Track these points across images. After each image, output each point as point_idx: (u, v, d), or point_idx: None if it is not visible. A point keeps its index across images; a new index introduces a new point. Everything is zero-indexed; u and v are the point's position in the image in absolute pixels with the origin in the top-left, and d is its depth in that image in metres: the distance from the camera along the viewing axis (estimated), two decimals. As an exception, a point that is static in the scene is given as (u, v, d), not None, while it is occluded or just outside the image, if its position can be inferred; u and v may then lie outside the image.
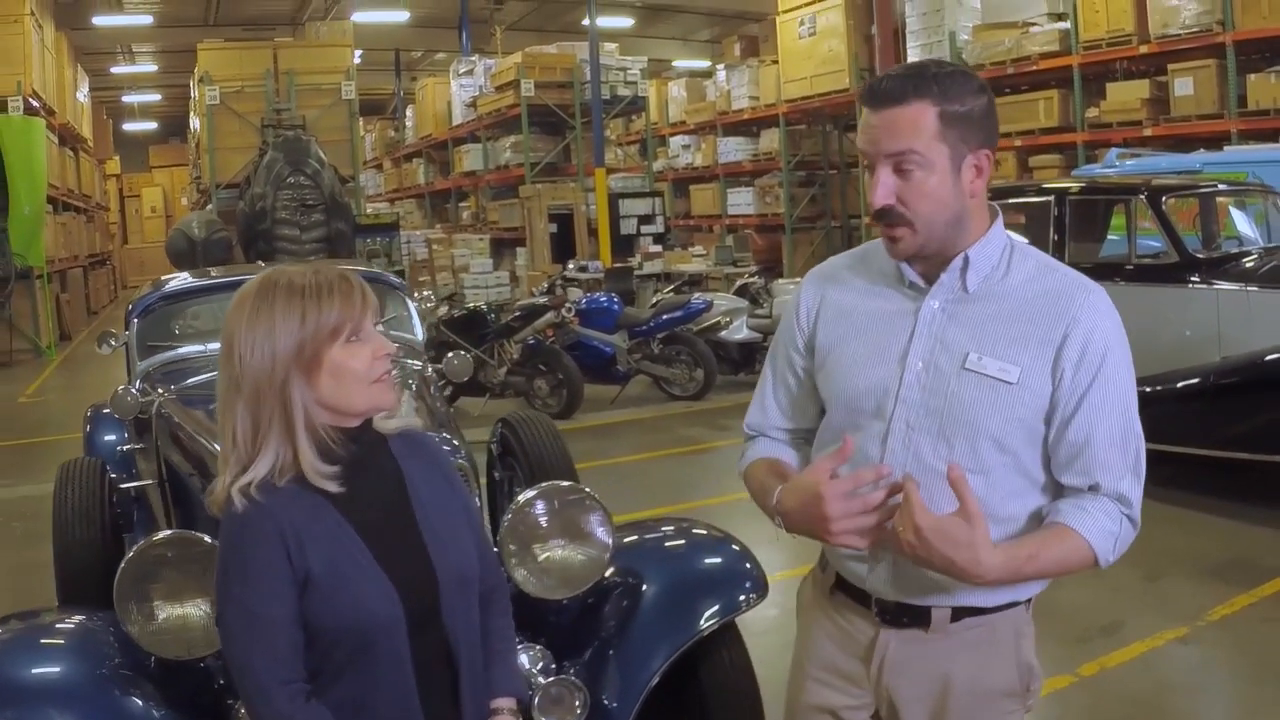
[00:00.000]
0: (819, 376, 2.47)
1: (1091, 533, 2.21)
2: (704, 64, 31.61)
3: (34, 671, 3.19)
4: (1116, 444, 2.24)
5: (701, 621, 3.51)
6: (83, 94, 29.40)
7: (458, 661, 2.31)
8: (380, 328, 5.86)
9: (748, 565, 3.68)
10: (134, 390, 5.19)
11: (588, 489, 3.75)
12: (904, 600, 2.35)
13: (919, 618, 2.34)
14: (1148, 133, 14.88)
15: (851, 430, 2.36)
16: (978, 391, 2.25)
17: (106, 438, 6.42)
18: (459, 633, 2.31)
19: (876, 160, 2.26)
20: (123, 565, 3.27)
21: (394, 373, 2.28)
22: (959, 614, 2.33)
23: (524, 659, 3.53)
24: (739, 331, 12.88)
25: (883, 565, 2.35)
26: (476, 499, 3.61)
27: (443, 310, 12.08)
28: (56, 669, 3.21)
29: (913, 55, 18.27)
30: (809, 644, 2.57)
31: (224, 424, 2.19)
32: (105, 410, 6.49)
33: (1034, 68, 16.51)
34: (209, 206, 21.81)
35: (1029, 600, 2.39)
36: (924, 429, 2.29)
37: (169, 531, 3.42)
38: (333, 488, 2.16)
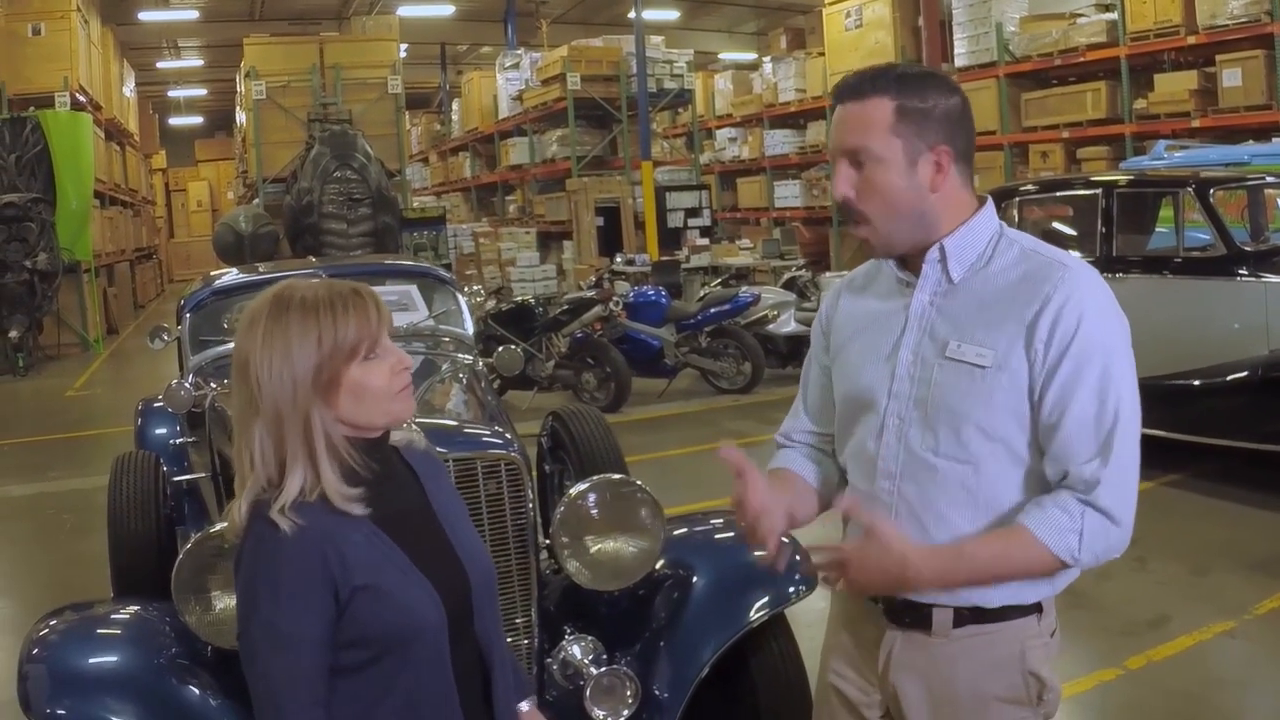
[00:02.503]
0: (834, 379, 2.52)
1: (1042, 529, 2.17)
2: (750, 56, 31.47)
3: (91, 661, 3.24)
4: (1089, 426, 2.18)
5: (751, 613, 3.55)
6: (129, 89, 29.57)
7: (489, 662, 2.32)
8: (430, 322, 5.93)
9: (797, 558, 3.70)
10: (187, 384, 5.25)
11: (639, 481, 3.79)
12: (905, 598, 2.34)
13: (921, 619, 2.33)
14: (1196, 124, 14.72)
15: (852, 426, 2.43)
16: (957, 378, 2.25)
17: (157, 431, 6.47)
18: (490, 633, 2.33)
19: (837, 155, 2.32)
20: (181, 556, 3.31)
21: (415, 384, 2.26)
22: (961, 618, 2.31)
23: (575, 650, 3.59)
24: (787, 325, 12.84)
25: None
26: (530, 492, 3.64)
27: (490, 304, 12.12)
28: (114, 658, 3.26)
29: (960, 47, 18.18)
30: (832, 635, 2.60)
31: (240, 446, 2.15)
32: (156, 404, 6.55)
33: (1081, 59, 16.38)
34: (256, 201, 21.85)
35: (1039, 608, 2.33)
36: (913, 421, 2.30)
37: (224, 524, 3.47)
38: (358, 510, 2.14)
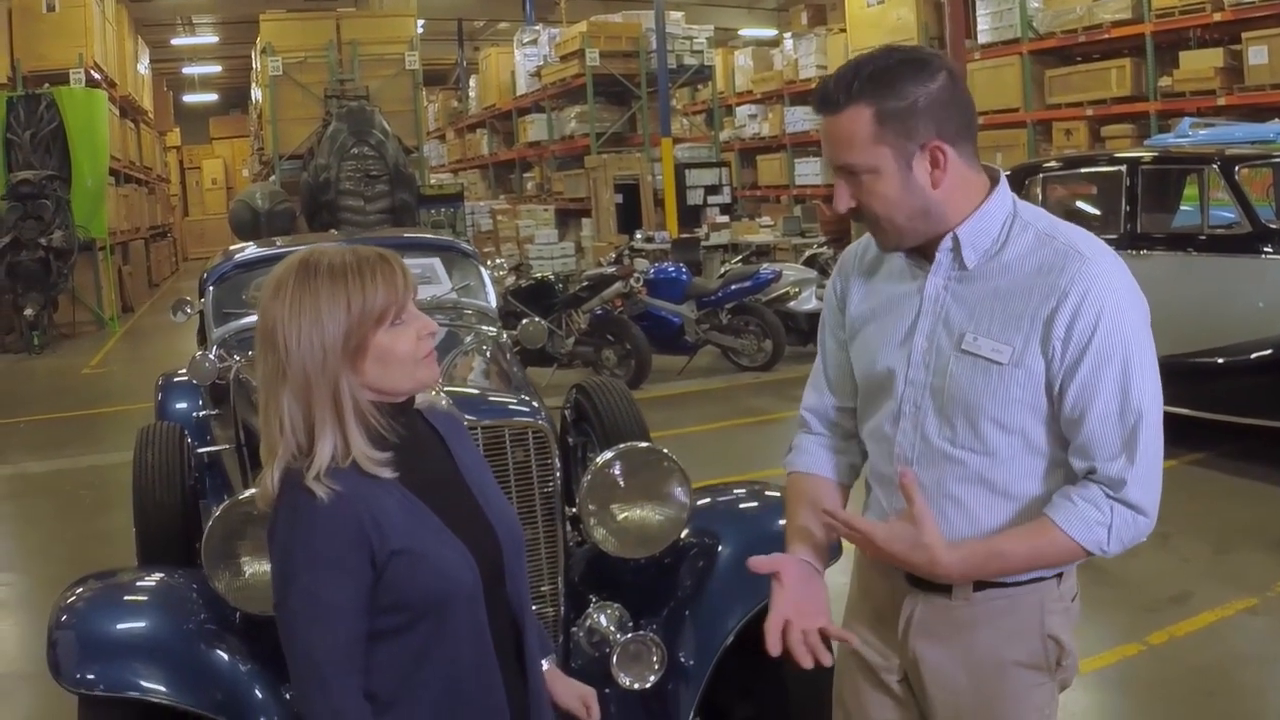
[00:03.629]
0: (851, 358, 2.51)
1: (1071, 524, 2.17)
2: (770, 33, 31.37)
3: (120, 627, 3.27)
4: (1111, 422, 2.17)
5: None
6: (143, 66, 29.43)
7: (521, 622, 2.33)
8: (453, 294, 5.92)
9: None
10: (211, 356, 5.27)
11: (666, 450, 3.80)
12: None
13: (942, 584, 2.34)
14: (1221, 102, 14.61)
15: (871, 408, 2.43)
16: (973, 372, 2.23)
17: (178, 406, 6.48)
18: (521, 593, 2.34)
19: (832, 169, 2.29)
20: (211, 523, 3.31)
21: (440, 355, 2.25)
22: (981, 583, 2.31)
23: (601, 618, 3.60)
24: (808, 302, 12.77)
25: None
26: (556, 461, 3.65)
27: (510, 280, 12.12)
28: (142, 624, 3.29)
29: (983, 24, 18.03)
30: (853, 600, 2.61)
31: (267, 413, 2.13)
32: (176, 379, 6.62)
33: (1106, 36, 16.23)
34: (272, 178, 21.85)
35: (1059, 575, 2.34)
36: (929, 410, 2.30)
37: (254, 490, 3.48)
38: (387, 474, 2.13)
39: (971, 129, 2.29)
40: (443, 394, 2.54)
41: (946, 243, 2.27)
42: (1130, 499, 2.18)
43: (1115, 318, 2.16)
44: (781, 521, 3.73)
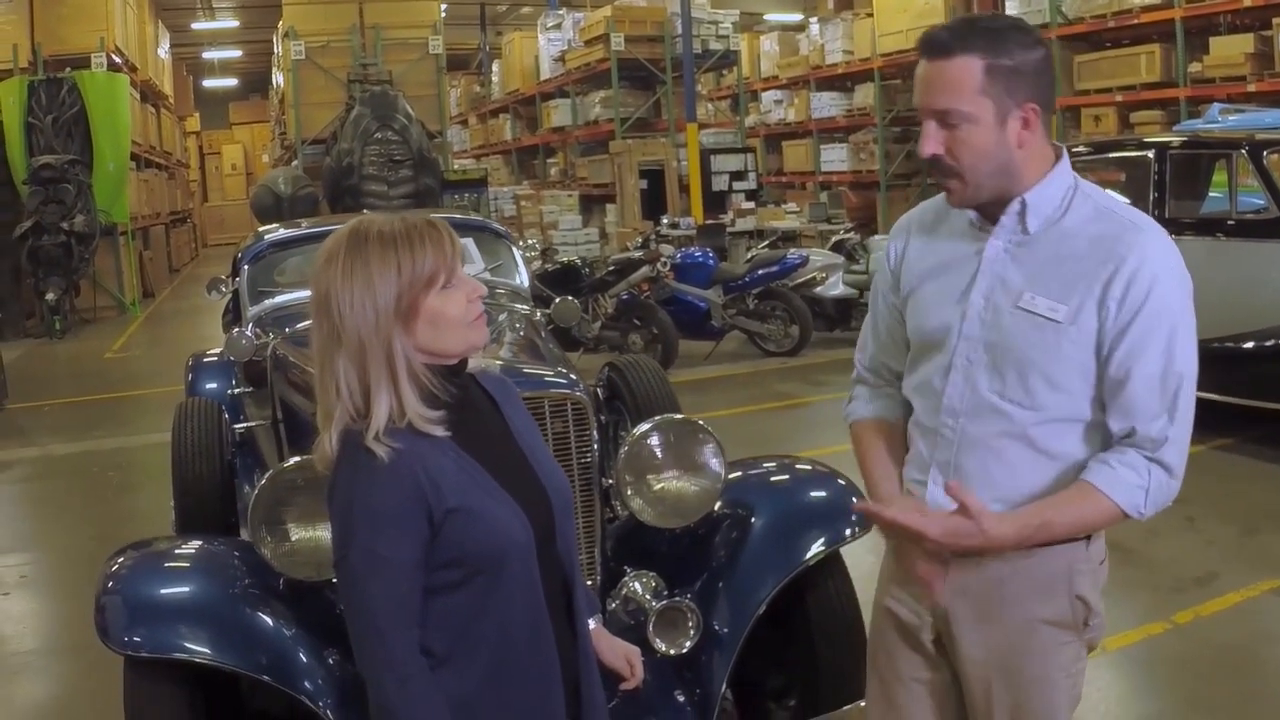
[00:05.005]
0: (905, 317, 2.58)
1: (1113, 488, 2.28)
2: (796, 17, 31.08)
3: (164, 591, 3.33)
4: (1154, 383, 2.28)
5: (808, 552, 3.62)
6: (163, 50, 29.37)
7: (571, 581, 2.39)
8: (487, 274, 5.96)
9: (852, 498, 3.76)
10: (248, 334, 5.34)
11: (701, 421, 3.85)
12: None
13: None
14: (1251, 88, 14.51)
15: (920, 363, 2.51)
16: (1028, 329, 2.33)
17: (208, 385, 6.57)
18: (570, 552, 2.40)
19: (925, 114, 2.35)
20: (258, 490, 3.38)
21: (487, 312, 2.32)
22: None
23: (637, 586, 3.65)
24: (835, 287, 12.78)
25: (937, 486, 2.45)
26: (594, 432, 3.70)
27: (536, 265, 12.14)
28: (187, 589, 3.35)
29: (1011, 8, 17.87)
30: (888, 560, 2.67)
31: (323, 378, 2.20)
32: (206, 359, 6.77)
33: (1135, 21, 16.14)
34: (295, 162, 21.92)
35: (1088, 538, 2.42)
36: (981, 363, 2.39)
37: (299, 458, 3.53)
38: (440, 432, 2.19)
39: (1053, 103, 2.41)
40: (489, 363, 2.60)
41: (1014, 206, 2.37)
42: (1166, 459, 2.30)
43: (1167, 287, 2.29)
44: (814, 493, 3.82)
